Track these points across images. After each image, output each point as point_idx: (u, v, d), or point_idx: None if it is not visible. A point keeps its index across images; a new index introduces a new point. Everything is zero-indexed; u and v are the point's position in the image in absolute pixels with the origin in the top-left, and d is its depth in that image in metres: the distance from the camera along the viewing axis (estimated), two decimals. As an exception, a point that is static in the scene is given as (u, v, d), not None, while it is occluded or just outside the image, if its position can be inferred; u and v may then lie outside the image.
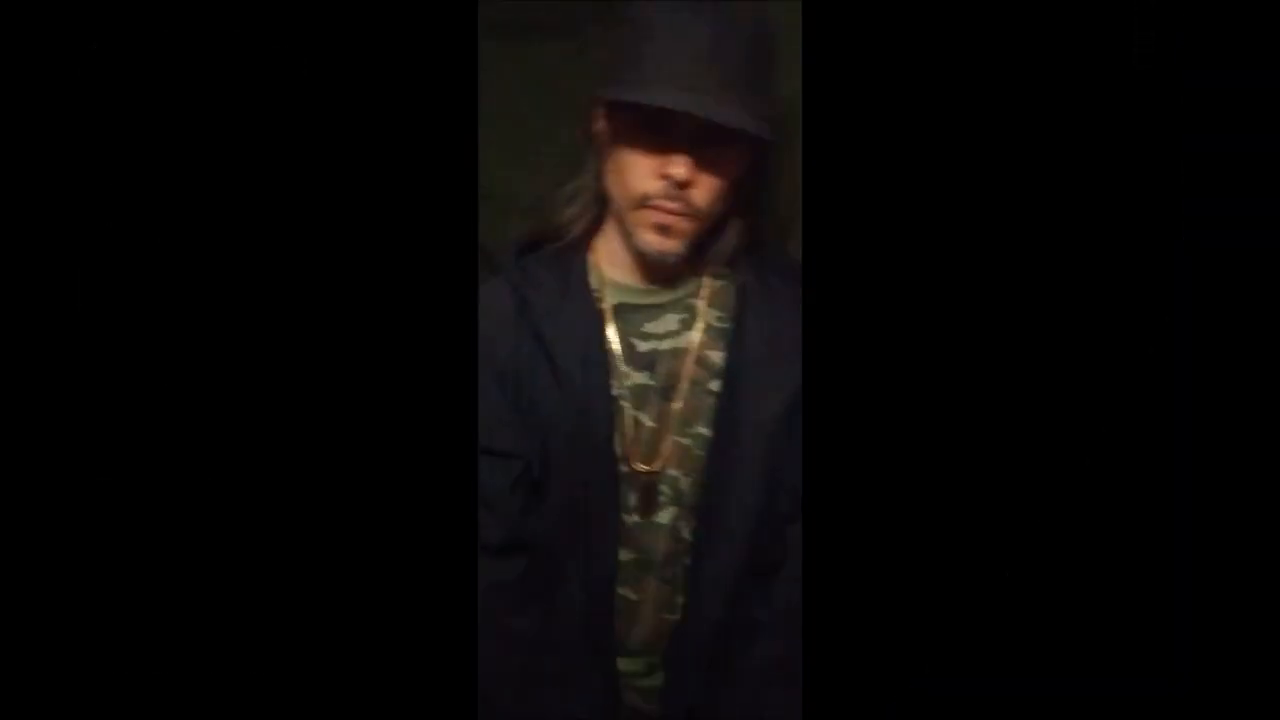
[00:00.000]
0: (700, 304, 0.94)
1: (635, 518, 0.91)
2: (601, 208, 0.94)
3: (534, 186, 1.14)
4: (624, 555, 0.91)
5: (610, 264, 0.95)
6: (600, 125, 0.90)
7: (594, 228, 0.95)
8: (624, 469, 0.91)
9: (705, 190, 0.87)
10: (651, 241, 0.88)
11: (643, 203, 0.87)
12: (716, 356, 0.93)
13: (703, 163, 0.86)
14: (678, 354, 0.93)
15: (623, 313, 0.94)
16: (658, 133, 0.85)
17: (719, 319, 0.94)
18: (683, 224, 0.88)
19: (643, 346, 0.93)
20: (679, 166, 0.84)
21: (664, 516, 0.91)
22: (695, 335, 0.93)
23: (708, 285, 0.94)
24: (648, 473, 0.91)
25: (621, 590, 0.91)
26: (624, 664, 0.92)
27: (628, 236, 0.91)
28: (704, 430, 0.91)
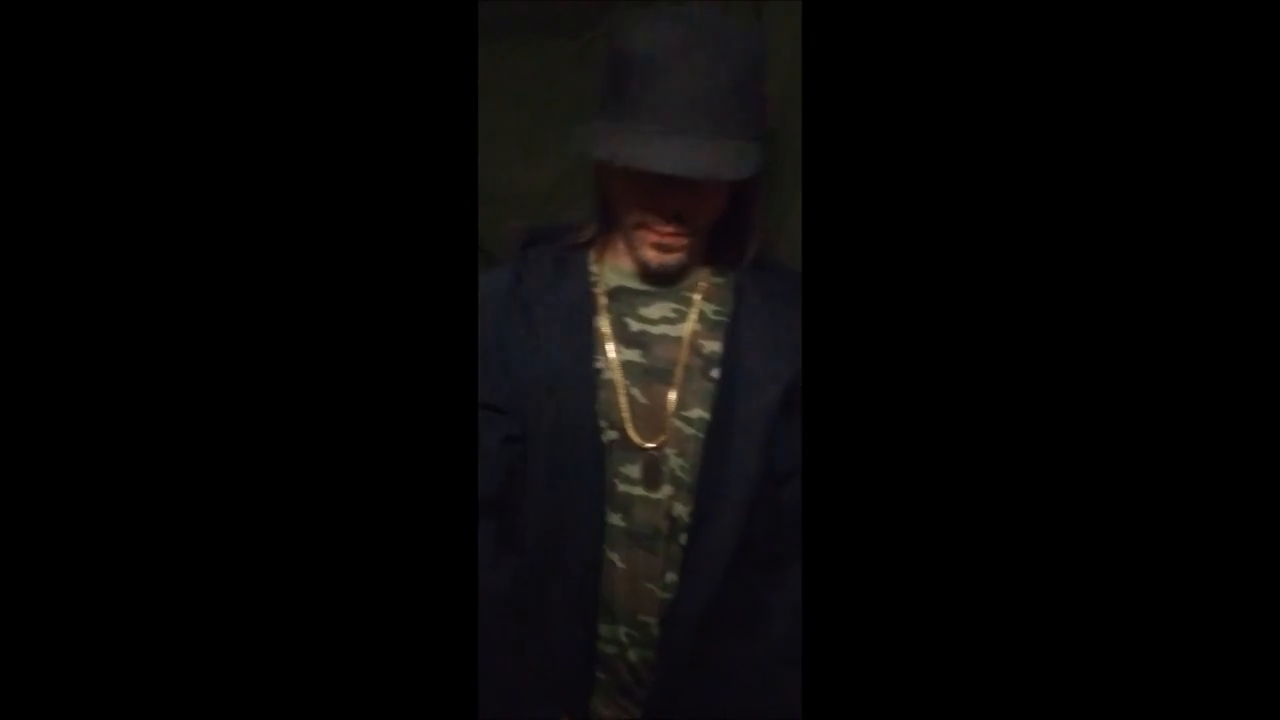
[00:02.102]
0: (696, 297, 0.97)
1: (637, 490, 0.93)
2: (607, 220, 0.97)
3: (534, 187, 1.15)
4: (613, 520, 0.92)
5: (613, 258, 0.98)
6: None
7: (600, 235, 0.98)
8: (614, 437, 0.93)
9: (702, 213, 0.92)
10: (652, 257, 0.93)
11: (640, 225, 0.92)
12: (713, 345, 0.95)
13: (696, 194, 0.89)
14: (671, 340, 0.95)
15: (617, 296, 0.97)
16: (649, 174, 0.88)
17: (715, 312, 0.97)
18: (681, 241, 0.92)
19: (634, 326, 0.96)
20: (672, 201, 0.89)
21: (660, 493, 0.93)
22: (689, 325, 0.96)
23: (705, 281, 0.97)
24: (652, 448, 0.92)
25: (609, 554, 0.92)
26: (605, 629, 0.93)
27: (630, 247, 0.95)
28: (703, 414, 0.93)
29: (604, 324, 0.96)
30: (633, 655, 0.92)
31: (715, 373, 0.94)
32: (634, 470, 0.92)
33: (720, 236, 0.97)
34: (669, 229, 0.91)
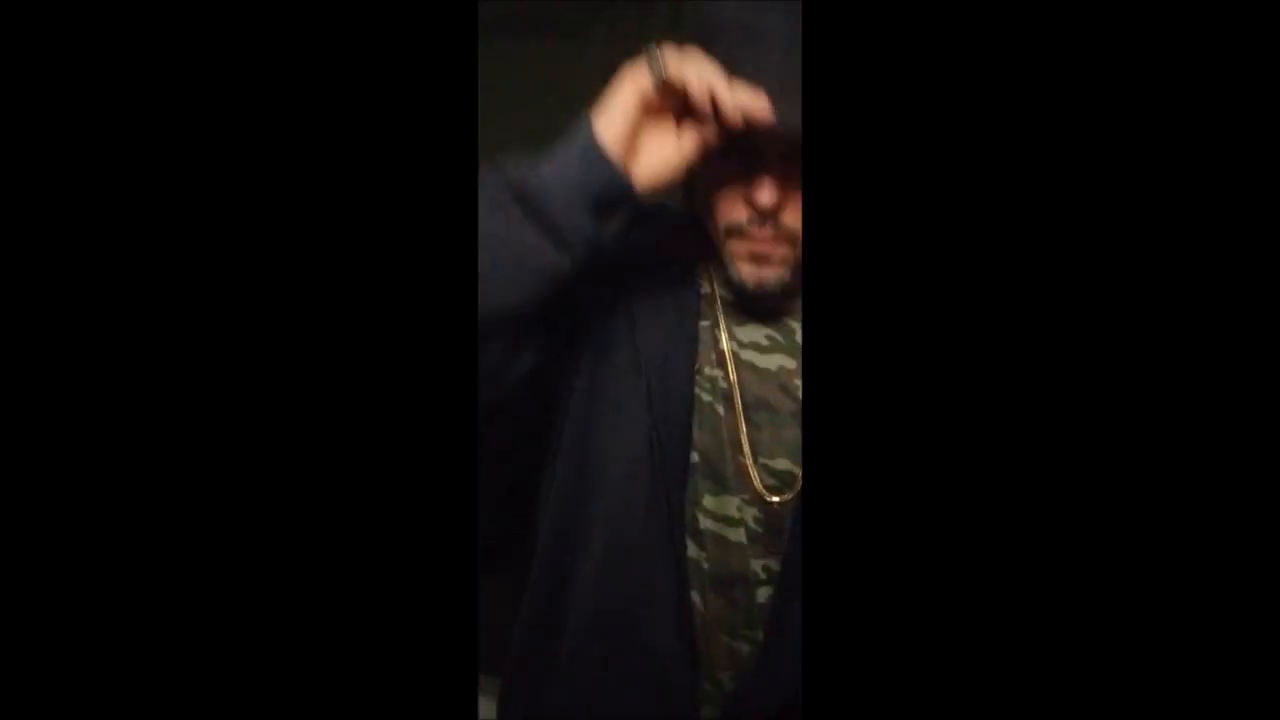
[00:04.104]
0: (797, 325, 0.85)
1: (728, 531, 0.83)
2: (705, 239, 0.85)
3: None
4: (694, 554, 0.83)
5: (718, 265, 0.86)
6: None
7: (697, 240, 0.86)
8: (695, 460, 0.82)
9: (798, 213, 0.79)
10: (748, 272, 0.81)
11: (733, 233, 0.81)
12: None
13: (789, 182, 0.78)
14: (760, 373, 0.84)
15: (716, 304, 0.85)
16: (740, 155, 0.78)
17: None
18: (780, 250, 0.80)
19: (726, 345, 0.85)
20: (764, 192, 0.78)
21: (738, 535, 0.83)
22: (783, 358, 0.84)
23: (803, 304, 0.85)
24: (773, 502, 0.82)
25: (691, 593, 0.82)
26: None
27: (724, 269, 0.83)
28: (785, 464, 0.83)
29: (704, 330, 0.84)
30: (704, 712, 0.83)
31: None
32: (719, 505, 0.83)
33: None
34: (765, 234, 0.79)
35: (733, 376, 0.84)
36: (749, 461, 0.83)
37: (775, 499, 0.83)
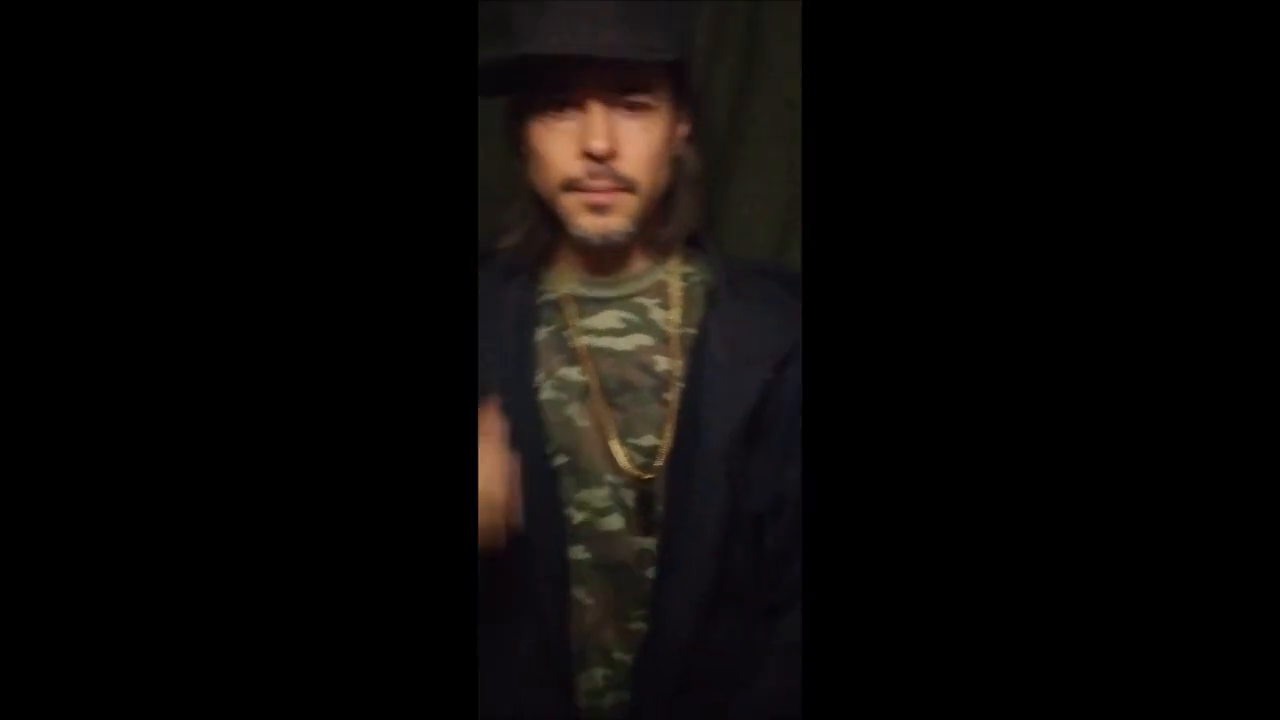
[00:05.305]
0: (650, 303, 0.88)
1: (602, 521, 0.84)
2: (548, 225, 0.86)
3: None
4: (577, 554, 0.84)
5: (565, 259, 0.88)
6: (511, 120, 0.84)
7: (547, 247, 0.88)
8: (563, 462, 0.84)
9: (633, 160, 0.81)
10: (588, 224, 0.81)
11: (569, 188, 0.81)
12: (664, 363, 0.86)
13: (621, 129, 0.80)
14: (619, 355, 0.86)
15: (564, 305, 0.87)
16: (565, 104, 0.79)
17: (672, 323, 0.87)
18: (619, 200, 0.81)
19: (578, 341, 0.86)
20: (596, 138, 0.78)
21: (614, 522, 0.85)
22: (641, 338, 0.87)
23: (669, 285, 0.88)
24: (637, 480, 0.84)
25: (576, 592, 0.84)
26: (581, 677, 0.85)
27: (566, 230, 0.84)
28: (655, 441, 0.85)
29: (543, 334, 0.86)
30: (609, 699, 0.85)
31: (669, 395, 0.85)
32: (591, 497, 0.84)
33: (670, 216, 0.86)
34: (601, 184, 0.79)
35: (589, 369, 0.85)
36: (617, 444, 0.84)
37: (648, 476, 0.84)
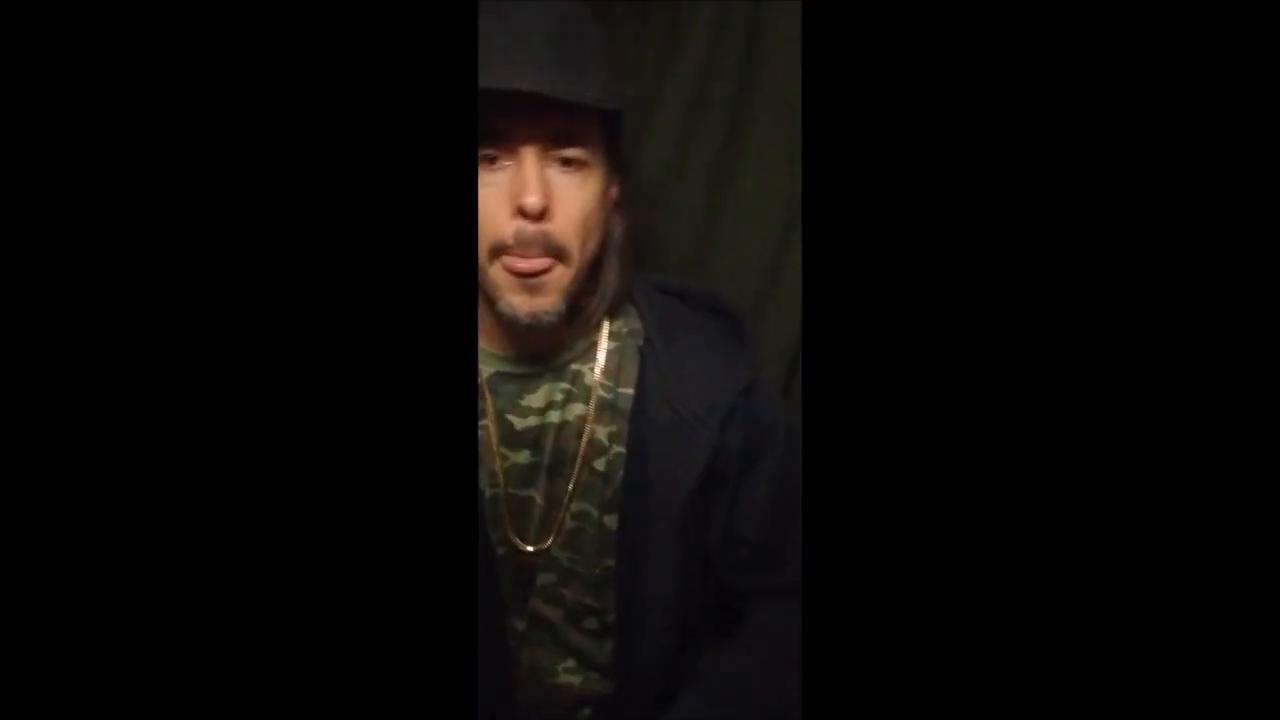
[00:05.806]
0: (585, 370, 0.84)
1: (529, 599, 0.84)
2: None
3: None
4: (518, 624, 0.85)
5: (486, 338, 0.83)
6: None
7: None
8: (502, 550, 0.83)
9: (565, 222, 0.75)
10: (518, 304, 0.76)
11: (498, 253, 0.75)
12: (603, 432, 0.83)
13: (555, 184, 0.75)
14: (563, 428, 0.83)
15: (496, 385, 0.83)
16: (495, 158, 0.74)
17: (605, 388, 0.84)
18: (552, 275, 0.76)
19: (520, 424, 0.83)
20: (530, 193, 0.73)
21: (546, 593, 0.85)
22: (579, 407, 0.84)
23: (598, 348, 0.84)
24: (528, 554, 0.83)
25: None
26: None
27: (491, 303, 0.78)
28: (591, 510, 0.83)
29: (489, 421, 0.82)
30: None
31: (600, 464, 0.83)
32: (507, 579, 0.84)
33: (596, 285, 0.82)
34: (533, 250, 0.74)
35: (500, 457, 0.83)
36: (558, 513, 0.83)
37: (529, 549, 0.84)
